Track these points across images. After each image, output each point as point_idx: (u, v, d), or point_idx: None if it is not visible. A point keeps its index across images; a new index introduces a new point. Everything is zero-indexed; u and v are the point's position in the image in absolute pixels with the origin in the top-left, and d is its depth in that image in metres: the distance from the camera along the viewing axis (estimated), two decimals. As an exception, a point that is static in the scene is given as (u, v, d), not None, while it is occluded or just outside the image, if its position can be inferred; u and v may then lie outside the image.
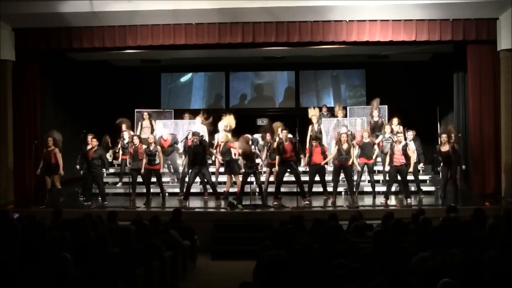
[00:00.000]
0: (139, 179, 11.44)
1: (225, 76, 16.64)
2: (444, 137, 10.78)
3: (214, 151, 11.71)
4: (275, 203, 10.69)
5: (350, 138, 11.18)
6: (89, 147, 11.10)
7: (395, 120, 11.89)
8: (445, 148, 10.72)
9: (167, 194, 11.68)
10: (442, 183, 11.08)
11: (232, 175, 11.48)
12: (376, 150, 11.43)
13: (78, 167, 11.60)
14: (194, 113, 13.60)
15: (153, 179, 11.52)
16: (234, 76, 16.70)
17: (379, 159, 12.14)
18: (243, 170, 10.90)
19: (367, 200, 11.13)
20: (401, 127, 11.65)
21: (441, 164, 10.96)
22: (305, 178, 11.46)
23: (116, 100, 15.37)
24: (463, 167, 11.26)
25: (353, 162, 10.93)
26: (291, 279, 4.47)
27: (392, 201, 11.00)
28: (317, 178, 11.19)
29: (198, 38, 11.73)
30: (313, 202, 10.84)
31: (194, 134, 11.00)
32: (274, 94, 16.62)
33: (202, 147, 10.87)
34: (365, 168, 11.35)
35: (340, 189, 11.40)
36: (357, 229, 6.78)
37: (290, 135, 11.12)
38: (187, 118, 13.47)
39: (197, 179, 11.23)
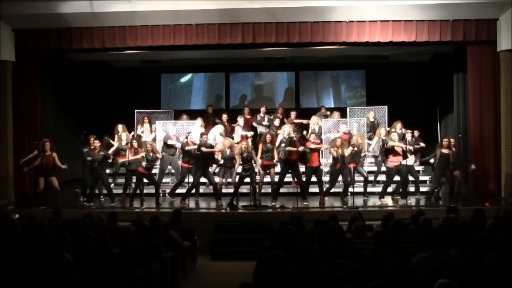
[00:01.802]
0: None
1: (225, 77, 16.64)
2: (445, 141, 10.88)
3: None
4: (273, 203, 10.71)
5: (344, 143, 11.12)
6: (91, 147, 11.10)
7: (398, 125, 11.84)
8: (445, 151, 10.78)
9: (161, 194, 11.66)
10: (434, 186, 11.16)
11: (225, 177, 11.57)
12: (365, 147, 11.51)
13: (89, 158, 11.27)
14: (190, 114, 13.59)
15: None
16: (234, 77, 16.69)
17: (374, 160, 12.17)
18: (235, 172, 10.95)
19: (369, 201, 11.12)
20: (404, 130, 11.62)
21: (436, 166, 10.98)
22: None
23: (116, 101, 15.36)
24: (473, 166, 11.25)
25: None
26: (291, 279, 4.47)
27: (391, 201, 11.00)
28: (313, 179, 11.20)
29: (198, 39, 11.74)
30: (310, 203, 10.82)
31: (202, 134, 11.20)
32: (274, 95, 16.61)
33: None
34: (354, 171, 11.31)
35: (337, 190, 11.40)
36: (358, 229, 6.78)
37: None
38: (185, 119, 13.39)
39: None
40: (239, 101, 16.48)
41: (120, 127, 12.52)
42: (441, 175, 10.92)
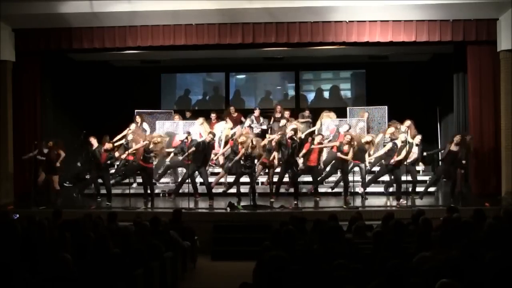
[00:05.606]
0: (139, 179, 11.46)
1: (225, 77, 16.59)
2: (458, 137, 10.85)
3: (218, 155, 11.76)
4: (272, 200, 10.73)
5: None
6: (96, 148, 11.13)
7: (407, 122, 11.84)
8: (454, 147, 10.77)
9: (160, 195, 11.62)
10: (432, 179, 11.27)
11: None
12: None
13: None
14: (181, 114, 13.59)
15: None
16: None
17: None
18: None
19: (368, 201, 11.10)
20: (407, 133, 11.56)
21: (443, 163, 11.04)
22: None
23: (116, 101, 15.33)
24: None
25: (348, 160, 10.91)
26: (291, 279, 4.48)
27: (392, 202, 11.01)
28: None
29: (198, 39, 11.74)
30: (307, 204, 10.83)
31: (210, 133, 11.33)
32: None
33: (208, 148, 11.06)
34: (357, 169, 11.31)
35: (337, 189, 11.41)
36: (358, 229, 6.79)
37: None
38: (178, 119, 13.36)
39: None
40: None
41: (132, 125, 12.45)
42: (445, 170, 10.95)
